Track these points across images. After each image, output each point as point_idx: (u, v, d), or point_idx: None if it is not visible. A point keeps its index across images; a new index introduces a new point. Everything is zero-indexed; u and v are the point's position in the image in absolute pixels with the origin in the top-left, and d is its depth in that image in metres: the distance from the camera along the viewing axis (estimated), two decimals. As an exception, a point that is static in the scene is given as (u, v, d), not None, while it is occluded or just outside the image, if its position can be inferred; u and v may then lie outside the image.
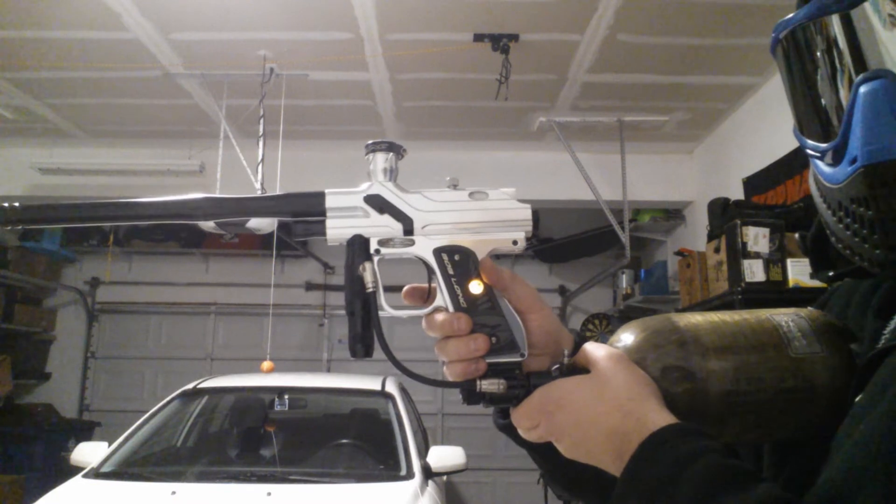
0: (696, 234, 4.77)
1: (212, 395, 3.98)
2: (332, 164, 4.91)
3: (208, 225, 3.57)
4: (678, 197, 5.00)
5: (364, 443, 3.61)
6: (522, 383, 0.59)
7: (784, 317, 0.64)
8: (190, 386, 3.83)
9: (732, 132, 4.37)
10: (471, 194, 0.62)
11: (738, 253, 2.98)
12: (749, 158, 4.04)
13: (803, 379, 0.60)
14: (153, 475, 3.08)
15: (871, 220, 0.55)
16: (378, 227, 0.61)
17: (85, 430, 5.80)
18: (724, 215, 3.26)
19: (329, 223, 0.60)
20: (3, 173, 4.92)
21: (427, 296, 0.63)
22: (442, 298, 0.61)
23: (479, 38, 3.44)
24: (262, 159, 3.87)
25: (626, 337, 0.64)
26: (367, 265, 0.59)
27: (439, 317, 0.61)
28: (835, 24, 0.57)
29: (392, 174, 0.62)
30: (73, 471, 3.08)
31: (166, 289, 6.55)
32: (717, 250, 3.25)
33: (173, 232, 6.41)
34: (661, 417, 0.55)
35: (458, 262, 0.60)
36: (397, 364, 0.61)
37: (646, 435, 0.53)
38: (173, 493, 2.70)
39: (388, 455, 3.27)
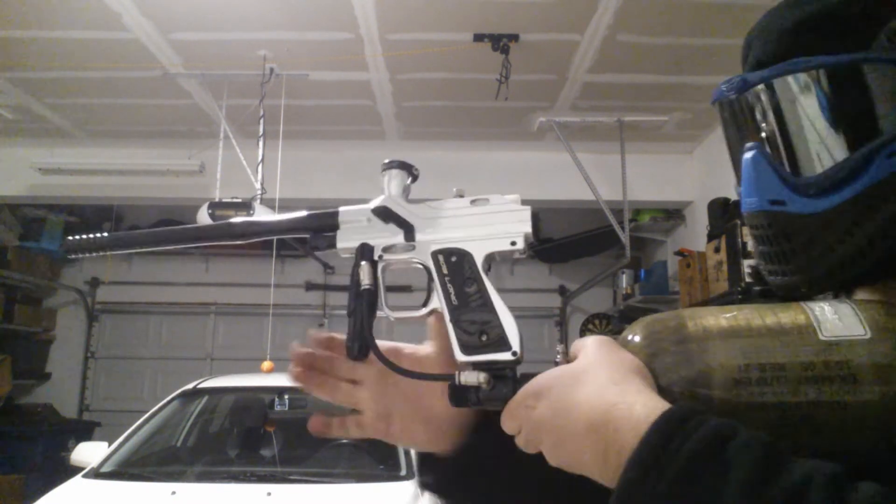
0: (696, 234, 4.76)
1: (212, 395, 3.98)
2: (332, 164, 4.90)
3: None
4: (678, 197, 5.00)
5: (364, 443, 3.61)
6: (509, 383, 0.57)
7: (820, 301, 0.54)
8: (190, 386, 3.83)
9: (732, 132, 4.36)
10: (472, 201, 0.64)
11: (738, 253, 2.98)
12: (749, 158, 4.03)
13: (838, 367, 0.48)
14: (153, 475, 3.07)
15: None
16: (382, 234, 0.64)
17: (85, 430, 5.79)
18: (724, 215, 3.27)
19: (339, 235, 0.65)
20: (3, 173, 4.92)
21: (425, 301, 0.64)
22: (437, 299, 0.62)
23: (479, 38, 3.44)
24: (262, 159, 3.87)
25: (630, 333, 0.60)
26: (364, 263, 0.62)
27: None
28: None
29: (404, 190, 0.66)
30: (73, 471, 3.07)
31: (166, 289, 6.54)
32: (717, 250, 3.26)
33: (173, 232, 6.39)
34: (652, 401, 0.48)
35: (454, 262, 0.62)
36: (379, 355, 0.61)
37: (639, 424, 0.46)
38: (173, 493, 2.70)
39: (387, 455, 3.27)
